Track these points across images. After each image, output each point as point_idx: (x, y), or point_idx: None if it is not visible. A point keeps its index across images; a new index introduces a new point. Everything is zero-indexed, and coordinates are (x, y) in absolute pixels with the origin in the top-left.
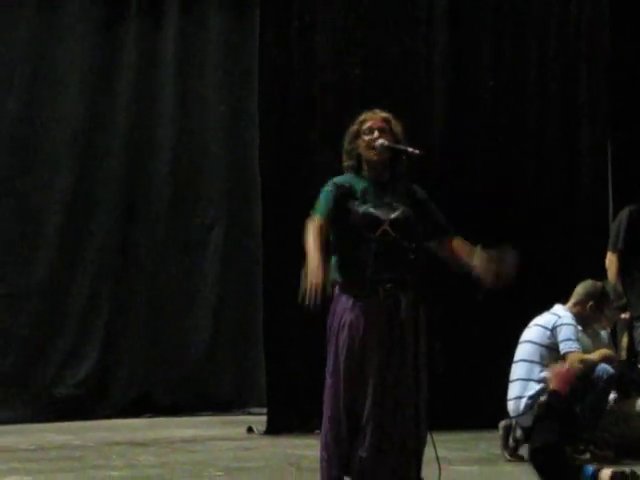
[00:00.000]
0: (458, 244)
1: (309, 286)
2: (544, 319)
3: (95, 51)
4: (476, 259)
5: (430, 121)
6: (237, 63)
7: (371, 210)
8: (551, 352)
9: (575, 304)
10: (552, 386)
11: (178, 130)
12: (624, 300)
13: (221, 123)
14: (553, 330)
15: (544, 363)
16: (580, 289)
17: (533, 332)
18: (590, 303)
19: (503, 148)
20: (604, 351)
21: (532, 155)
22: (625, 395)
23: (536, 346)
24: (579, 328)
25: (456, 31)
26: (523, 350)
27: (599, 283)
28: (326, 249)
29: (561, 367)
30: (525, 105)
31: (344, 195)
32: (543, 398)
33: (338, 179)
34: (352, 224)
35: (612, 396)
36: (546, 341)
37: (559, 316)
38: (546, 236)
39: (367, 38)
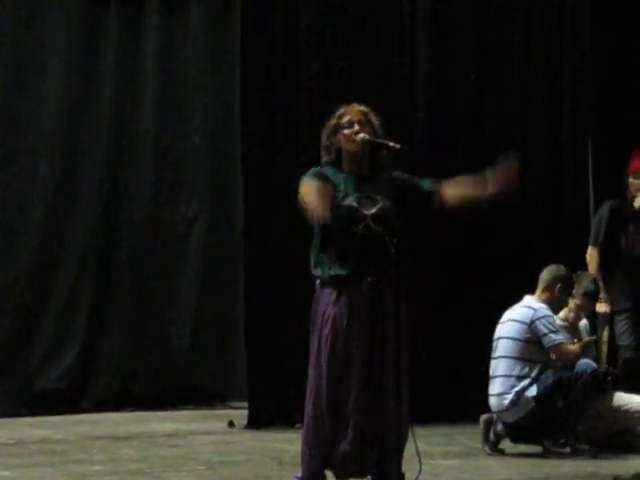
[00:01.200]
0: (449, 188)
1: (316, 201)
2: (518, 313)
3: (76, 44)
4: (474, 184)
5: (413, 115)
6: (219, 55)
7: (354, 204)
8: (531, 346)
9: (544, 290)
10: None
11: (160, 123)
12: (604, 295)
13: (203, 116)
14: (531, 324)
15: (525, 358)
16: (545, 275)
17: (510, 328)
18: (558, 286)
19: (487, 143)
20: (583, 342)
21: (515, 148)
22: (601, 391)
23: (515, 342)
24: (557, 319)
25: (439, 25)
26: (502, 347)
27: (561, 266)
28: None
29: None
30: (508, 97)
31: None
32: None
33: (319, 170)
34: (334, 217)
35: None
36: (525, 336)
37: (534, 309)
38: (528, 228)
39: (350, 33)
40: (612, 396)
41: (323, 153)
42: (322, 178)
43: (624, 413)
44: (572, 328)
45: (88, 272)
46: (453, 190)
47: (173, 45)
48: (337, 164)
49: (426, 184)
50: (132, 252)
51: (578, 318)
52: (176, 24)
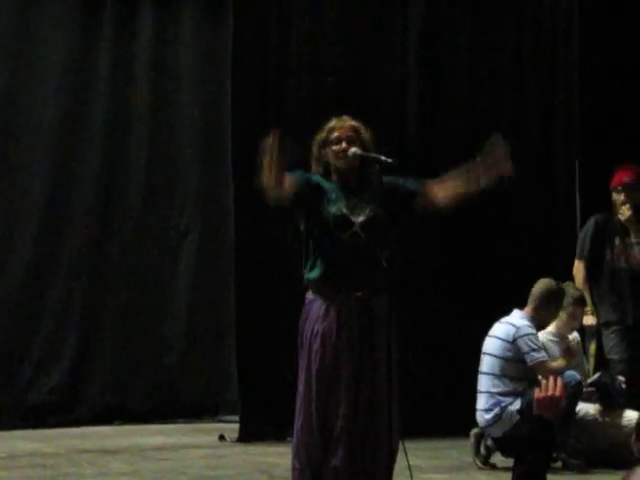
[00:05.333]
0: (437, 188)
1: (266, 162)
2: (502, 330)
3: (69, 53)
4: (463, 180)
5: (404, 121)
6: (211, 63)
7: (343, 210)
8: (512, 364)
9: (534, 306)
10: (537, 411)
11: (152, 134)
12: (590, 307)
13: (195, 126)
14: (514, 342)
15: (507, 375)
16: (536, 290)
17: (493, 344)
18: (550, 301)
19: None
20: (558, 364)
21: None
22: (609, 407)
23: (496, 359)
24: (547, 335)
25: (431, 28)
26: (485, 363)
27: (552, 280)
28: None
29: (545, 393)
30: (500, 114)
31: (315, 189)
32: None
33: (309, 175)
34: (323, 224)
35: (582, 405)
36: (507, 354)
37: (516, 327)
38: (516, 240)
39: (341, 39)
40: (621, 413)
41: (313, 164)
42: (309, 181)
43: (617, 428)
44: (563, 341)
45: (79, 286)
46: (442, 191)
47: (165, 52)
48: (326, 176)
49: (412, 184)
50: (124, 265)
51: (572, 328)
52: (169, 28)
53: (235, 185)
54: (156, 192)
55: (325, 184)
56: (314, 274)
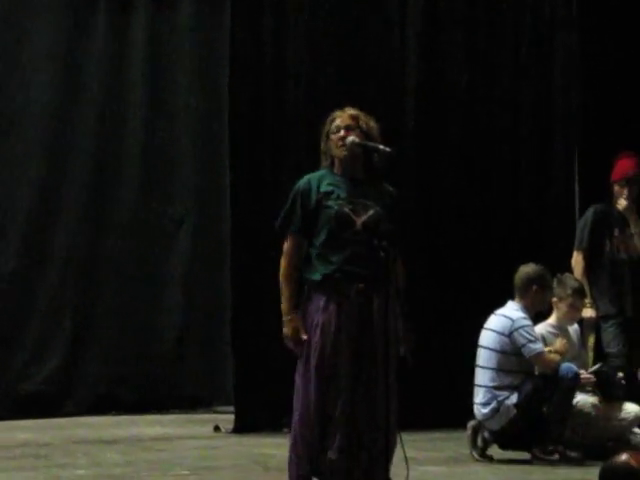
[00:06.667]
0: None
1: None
2: (497, 323)
3: (59, 44)
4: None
5: (402, 123)
6: (208, 56)
7: (345, 210)
8: (509, 358)
9: (520, 296)
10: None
11: (147, 124)
12: (589, 300)
13: (192, 117)
14: (510, 336)
15: (504, 369)
16: (517, 279)
17: (488, 337)
18: (533, 287)
19: (477, 153)
20: (558, 345)
21: (505, 152)
22: (609, 398)
23: (492, 352)
24: (547, 326)
25: (429, 28)
26: (481, 356)
27: (531, 264)
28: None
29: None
30: (499, 104)
31: (312, 195)
32: None
33: (312, 176)
34: (325, 222)
35: (580, 397)
36: (503, 347)
37: (512, 319)
38: (514, 234)
39: (340, 34)
40: (620, 405)
41: (322, 158)
42: (306, 196)
43: (615, 421)
44: (563, 333)
45: (72, 275)
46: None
47: (161, 43)
48: (332, 168)
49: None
50: (117, 254)
51: (573, 319)
52: (164, 27)
53: (232, 176)
54: (151, 181)
55: (329, 179)
56: (315, 275)
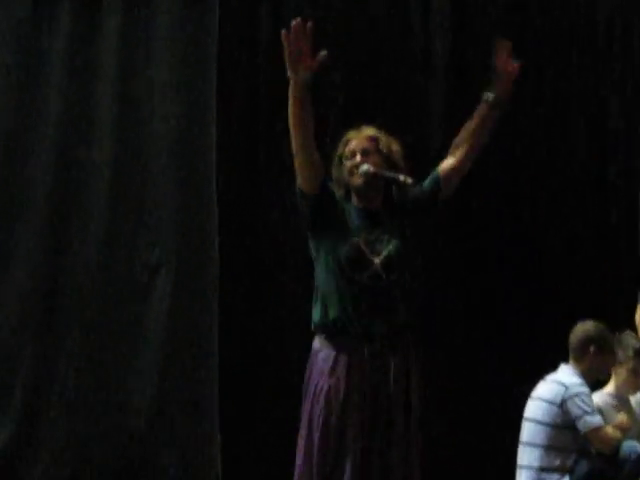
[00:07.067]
0: (451, 151)
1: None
2: (548, 391)
3: (16, 54)
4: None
5: (427, 129)
6: (192, 61)
7: (360, 246)
8: (560, 433)
9: (576, 359)
10: None
11: (117, 147)
12: None
13: (170, 136)
14: (562, 405)
15: (554, 446)
16: (573, 340)
17: (537, 408)
18: (591, 348)
19: (520, 145)
20: (620, 420)
21: (552, 177)
22: None
23: (541, 427)
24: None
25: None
26: (526, 431)
27: (589, 322)
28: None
29: None
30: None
31: (332, 208)
32: None
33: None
34: (336, 259)
35: None
36: (555, 420)
37: (566, 386)
38: (566, 276)
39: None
40: None
41: (335, 187)
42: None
43: None
44: (624, 404)
45: (28, 335)
46: (457, 150)
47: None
48: (348, 198)
49: (428, 181)
50: (81, 310)
51: (636, 387)
52: (138, 30)
53: (220, 210)
54: (121, 216)
55: (346, 208)
56: (324, 319)
